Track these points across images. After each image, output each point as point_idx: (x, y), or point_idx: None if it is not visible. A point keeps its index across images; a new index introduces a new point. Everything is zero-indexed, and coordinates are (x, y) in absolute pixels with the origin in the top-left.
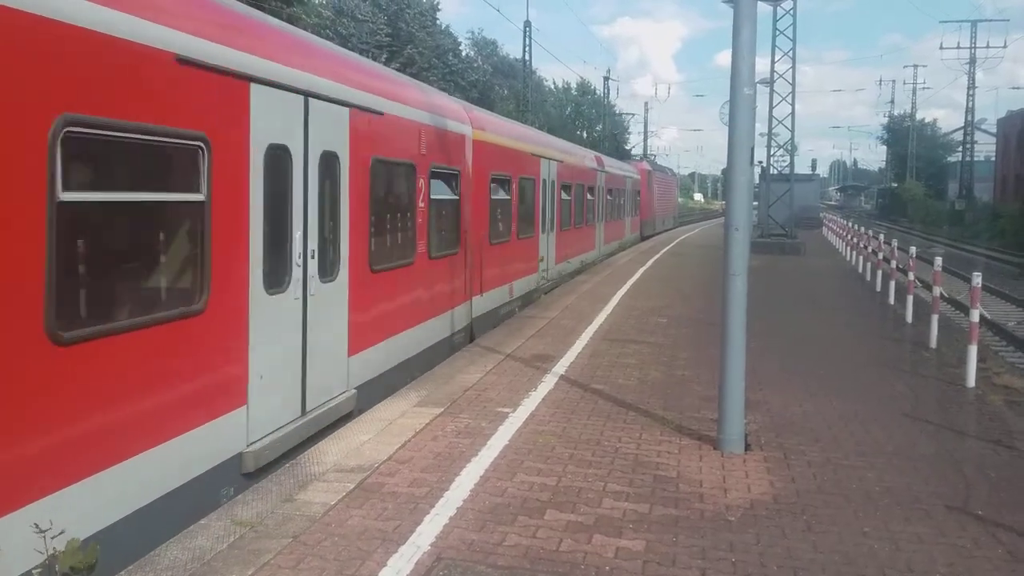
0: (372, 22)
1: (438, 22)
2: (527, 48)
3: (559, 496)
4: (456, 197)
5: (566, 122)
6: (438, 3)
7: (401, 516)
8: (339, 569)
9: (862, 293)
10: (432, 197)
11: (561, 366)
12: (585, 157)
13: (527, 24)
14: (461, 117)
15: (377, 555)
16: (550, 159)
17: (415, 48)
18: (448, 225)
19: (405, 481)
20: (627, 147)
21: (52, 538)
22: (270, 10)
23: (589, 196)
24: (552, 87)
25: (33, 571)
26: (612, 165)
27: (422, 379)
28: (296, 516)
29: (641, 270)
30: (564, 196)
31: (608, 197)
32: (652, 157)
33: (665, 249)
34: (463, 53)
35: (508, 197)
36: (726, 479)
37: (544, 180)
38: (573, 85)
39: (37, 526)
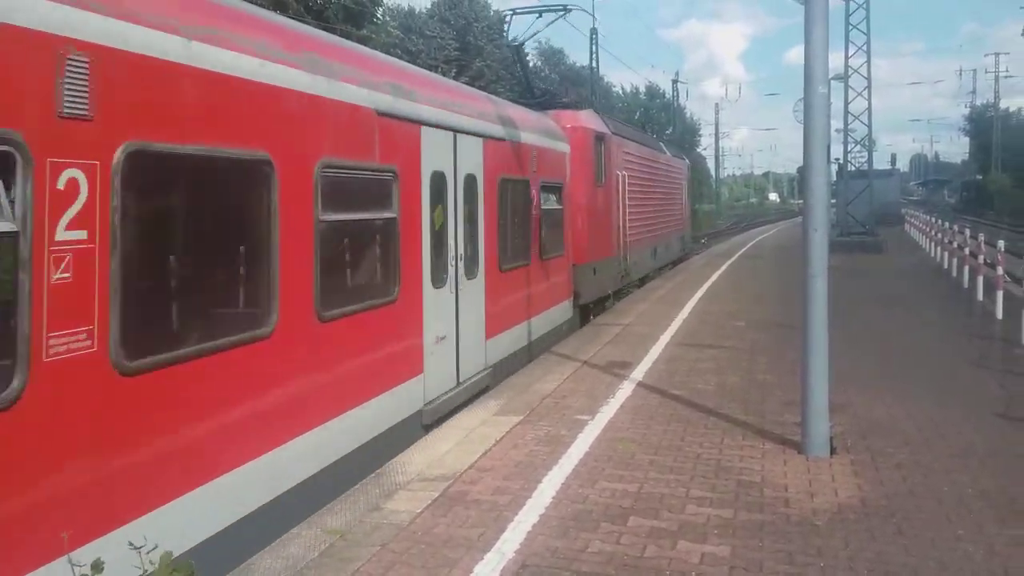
0: (440, 38)
1: (506, 34)
2: (594, 55)
3: (641, 502)
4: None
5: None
6: (506, 15)
7: (485, 524)
8: None
9: (948, 290)
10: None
11: (638, 372)
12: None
13: (593, 31)
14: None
15: (463, 562)
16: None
17: (483, 61)
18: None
19: (488, 489)
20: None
21: (147, 553)
22: (342, 32)
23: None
24: (620, 92)
25: None
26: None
27: (500, 387)
28: (383, 524)
29: (716, 274)
30: None
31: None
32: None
33: (740, 252)
34: (531, 64)
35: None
36: (812, 483)
37: None
38: (641, 89)
39: (132, 544)
